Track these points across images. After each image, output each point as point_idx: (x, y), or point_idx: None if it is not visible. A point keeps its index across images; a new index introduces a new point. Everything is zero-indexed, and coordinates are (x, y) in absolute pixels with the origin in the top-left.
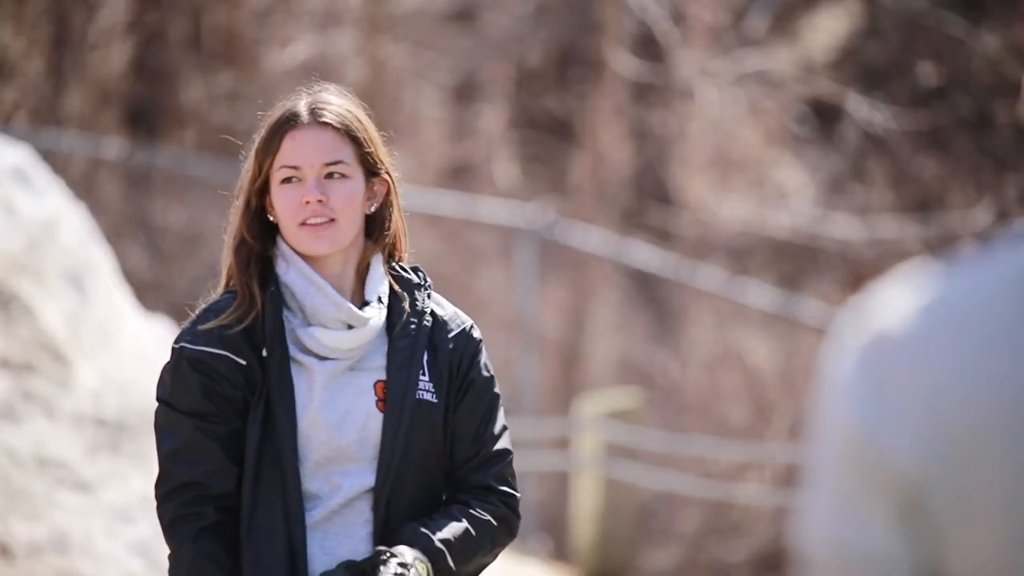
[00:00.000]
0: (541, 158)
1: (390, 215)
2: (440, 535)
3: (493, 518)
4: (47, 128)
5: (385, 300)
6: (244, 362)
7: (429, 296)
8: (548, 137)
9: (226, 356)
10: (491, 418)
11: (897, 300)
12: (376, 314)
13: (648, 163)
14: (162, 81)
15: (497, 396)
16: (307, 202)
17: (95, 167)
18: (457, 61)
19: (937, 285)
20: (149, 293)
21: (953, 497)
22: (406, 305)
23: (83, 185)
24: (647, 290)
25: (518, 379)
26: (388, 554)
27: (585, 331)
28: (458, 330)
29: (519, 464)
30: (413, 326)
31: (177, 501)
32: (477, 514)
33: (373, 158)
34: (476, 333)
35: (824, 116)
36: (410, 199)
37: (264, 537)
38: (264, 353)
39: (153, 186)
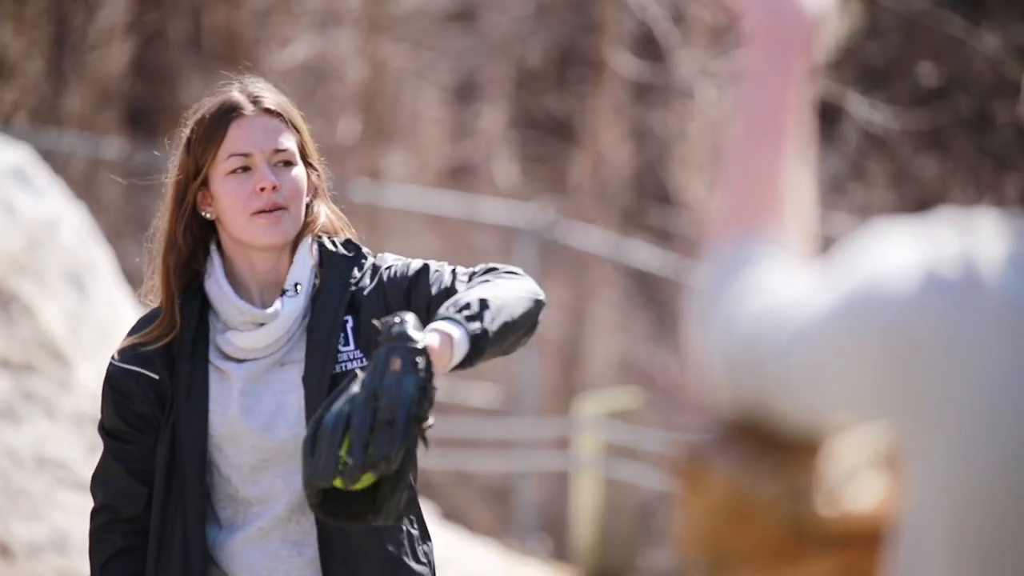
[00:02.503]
0: (541, 158)
1: (317, 203)
2: (458, 297)
3: (492, 274)
4: (47, 128)
5: (305, 286)
6: (156, 377)
7: (360, 268)
8: (548, 137)
9: (138, 372)
10: (441, 277)
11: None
12: (289, 303)
13: (648, 163)
14: (162, 81)
15: (423, 265)
16: (261, 189)
17: (95, 167)
18: (457, 61)
19: (983, 246)
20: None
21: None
22: (329, 282)
23: (83, 185)
24: (647, 290)
25: (518, 379)
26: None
27: (585, 331)
28: (372, 281)
29: (519, 464)
30: (333, 301)
31: (95, 522)
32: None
33: (307, 148)
34: (380, 260)
35: (824, 116)
36: (410, 199)
37: (164, 562)
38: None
39: (153, 186)
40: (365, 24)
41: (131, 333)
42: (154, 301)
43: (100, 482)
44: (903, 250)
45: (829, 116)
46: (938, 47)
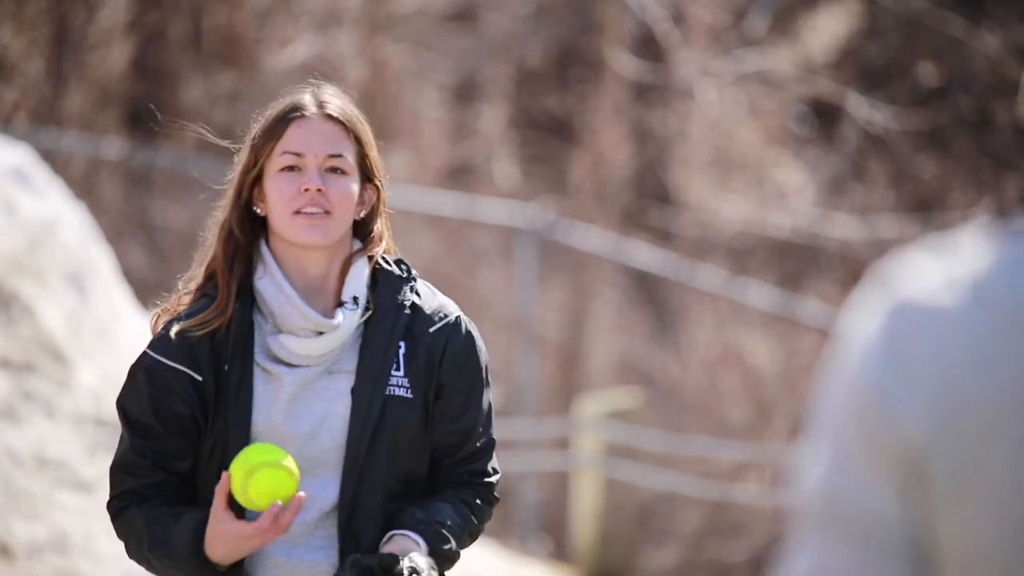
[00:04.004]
0: (541, 158)
1: (378, 222)
2: (437, 516)
3: (480, 501)
4: (47, 128)
5: (362, 300)
6: (200, 378)
7: (412, 289)
8: (548, 137)
9: (182, 371)
10: (472, 413)
11: (927, 269)
12: (349, 316)
13: (648, 163)
14: (162, 81)
15: (479, 386)
16: (306, 189)
17: (95, 167)
18: (457, 61)
19: (967, 259)
20: (149, 293)
21: (954, 472)
22: (384, 300)
23: (83, 185)
24: (647, 290)
25: (518, 379)
26: (403, 560)
27: (585, 331)
28: (440, 323)
29: (519, 464)
30: (389, 321)
31: (119, 502)
32: (466, 498)
33: (370, 163)
34: (461, 325)
35: (824, 116)
36: (410, 199)
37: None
38: (226, 367)
39: (153, 186)
40: (365, 24)
41: (173, 324)
42: (187, 297)
43: (128, 473)
44: (876, 313)
45: (829, 116)
46: (938, 47)
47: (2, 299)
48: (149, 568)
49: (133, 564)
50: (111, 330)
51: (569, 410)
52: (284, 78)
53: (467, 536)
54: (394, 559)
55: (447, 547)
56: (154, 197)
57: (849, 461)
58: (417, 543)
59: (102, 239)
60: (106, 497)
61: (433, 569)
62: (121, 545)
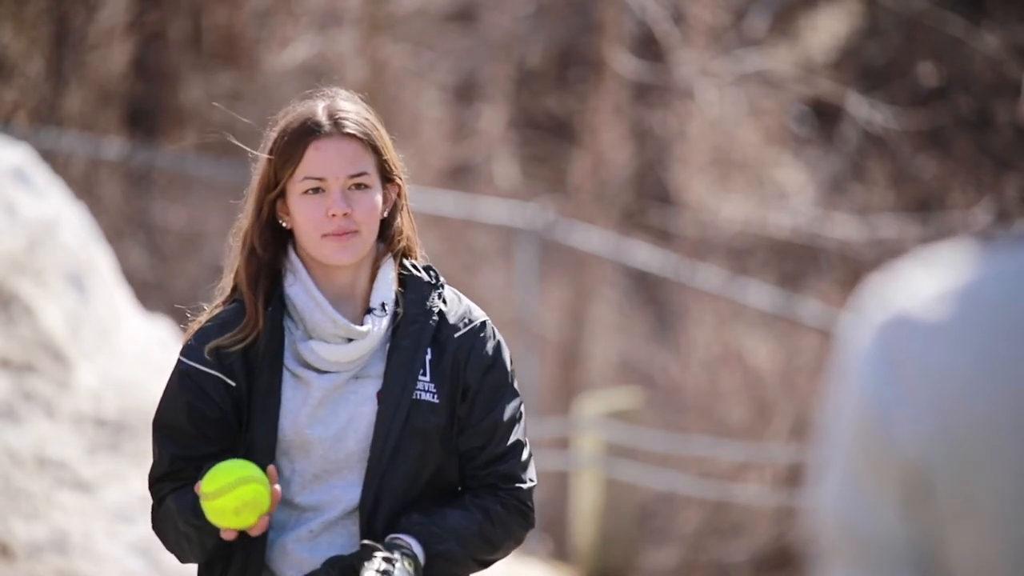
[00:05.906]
0: (541, 158)
1: (400, 217)
2: (439, 520)
3: (502, 507)
4: (47, 128)
5: (390, 306)
6: (233, 384)
7: (440, 296)
8: (548, 137)
9: (216, 377)
10: (496, 414)
11: (920, 282)
12: (377, 322)
13: (648, 163)
14: (162, 81)
15: (505, 388)
16: (332, 215)
17: (95, 167)
18: (457, 61)
19: (960, 272)
20: (149, 293)
21: (955, 486)
22: (413, 307)
23: (83, 185)
24: (647, 290)
25: (518, 379)
26: (373, 548)
27: (585, 331)
28: (466, 328)
29: None
30: (417, 326)
31: (158, 505)
32: (483, 502)
33: (389, 165)
34: (486, 330)
35: (824, 116)
36: (411, 199)
37: (229, 552)
38: (256, 372)
39: (153, 186)
40: (365, 24)
41: (204, 335)
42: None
43: (168, 479)
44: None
45: (829, 116)
46: (938, 47)
47: (2, 299)
48: (186, 551)
49: (133, 564)
50: (111, 330)
51: (569, 410)
52: (284, 78)
53: (481, 541)
54: (366, 547)
55: (444, 547)
56: (154, 197)
57: (855, 481)
58: (409, 544)
59: (102, 239)
60: (106, 497)
61: (408, 557)
62: (120, 545)
